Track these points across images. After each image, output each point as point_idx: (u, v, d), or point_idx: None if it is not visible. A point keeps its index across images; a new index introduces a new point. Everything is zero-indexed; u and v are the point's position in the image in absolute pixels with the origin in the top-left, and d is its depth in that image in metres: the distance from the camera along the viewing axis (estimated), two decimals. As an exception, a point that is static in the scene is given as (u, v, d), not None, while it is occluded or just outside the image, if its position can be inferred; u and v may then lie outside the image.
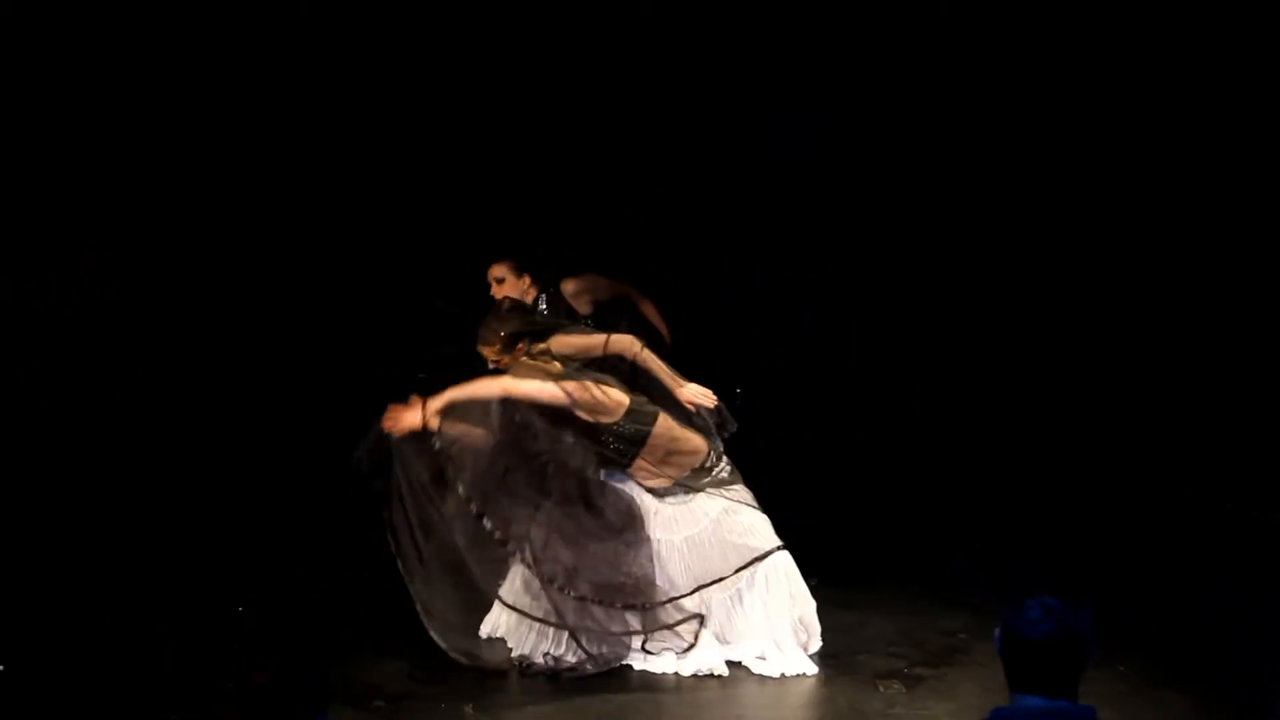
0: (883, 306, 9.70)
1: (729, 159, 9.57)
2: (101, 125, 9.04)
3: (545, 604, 6.75)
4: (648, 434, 6.79)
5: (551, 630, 6.76)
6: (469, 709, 6.24)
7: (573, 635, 6.71)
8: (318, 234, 9.50)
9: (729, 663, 6.74)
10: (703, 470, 6.90)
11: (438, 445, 6.68)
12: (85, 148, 9.03)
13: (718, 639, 6.77)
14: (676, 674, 6.68)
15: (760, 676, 6.68)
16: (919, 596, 7.73)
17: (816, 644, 6.85)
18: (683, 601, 6.75)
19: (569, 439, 6.84)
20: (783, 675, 6.66)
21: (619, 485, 6.90)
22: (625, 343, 7.05)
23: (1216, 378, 9.17)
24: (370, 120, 9.39)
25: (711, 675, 6.67)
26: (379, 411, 6.66)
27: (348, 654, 6.82)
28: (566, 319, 7.69)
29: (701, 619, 6.75)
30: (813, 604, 6.85)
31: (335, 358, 9.47)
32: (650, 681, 6.64)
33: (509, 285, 7.92)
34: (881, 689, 6.50)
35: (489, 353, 7.04)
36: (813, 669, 6.70)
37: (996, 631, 3.69)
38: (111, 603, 7.44)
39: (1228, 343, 9.14)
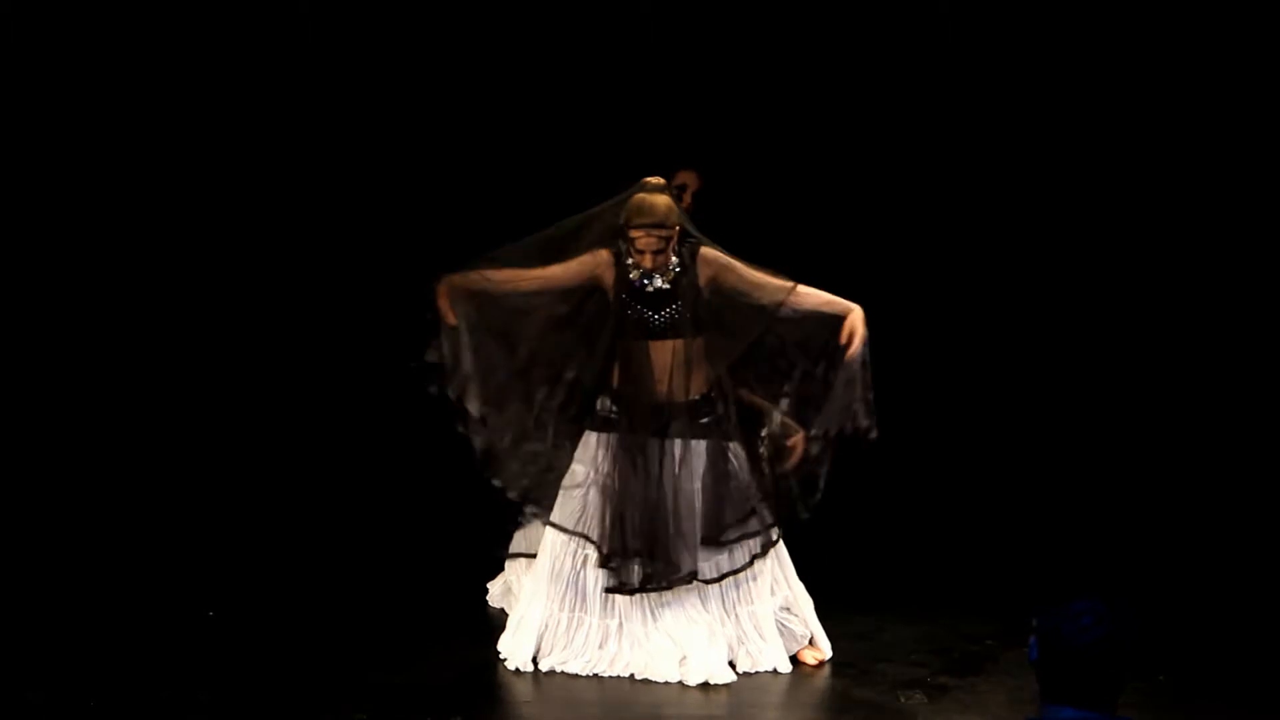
0: (882, 306, 9.60)
1: (729, 159, 9.45)
2: (100, 124, 8.89)
3: None
4: None
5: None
6: (457, 720, 5.74)
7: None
8: (316, 233, 9.26)
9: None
10: None
11: None
12: (85, 147, 8.88)
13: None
14: (681, 683, 6.15)
15: (768, 684, 6.18)
16: (939, 600, 7.34)
17: (821, 641, 6.41)
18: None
19: None
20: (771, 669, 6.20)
21: None
22: None
23: (1216, 378, 8.99)
24: (367, 120, 9.18)
25: (719, 685, 6.13)
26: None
27: (329, 664, 6.34)
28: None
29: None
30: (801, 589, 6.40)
31: (334, 358, 9.28)
32: (651, 692, 6.14)
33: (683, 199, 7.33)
34: (903, 699, 6.04)
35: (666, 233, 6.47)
36: (787, 665, 6.27)
37: (1031, 638, 3.39)
38: (106, 604, 7.08)
39: (1227, 342, 8.97)
